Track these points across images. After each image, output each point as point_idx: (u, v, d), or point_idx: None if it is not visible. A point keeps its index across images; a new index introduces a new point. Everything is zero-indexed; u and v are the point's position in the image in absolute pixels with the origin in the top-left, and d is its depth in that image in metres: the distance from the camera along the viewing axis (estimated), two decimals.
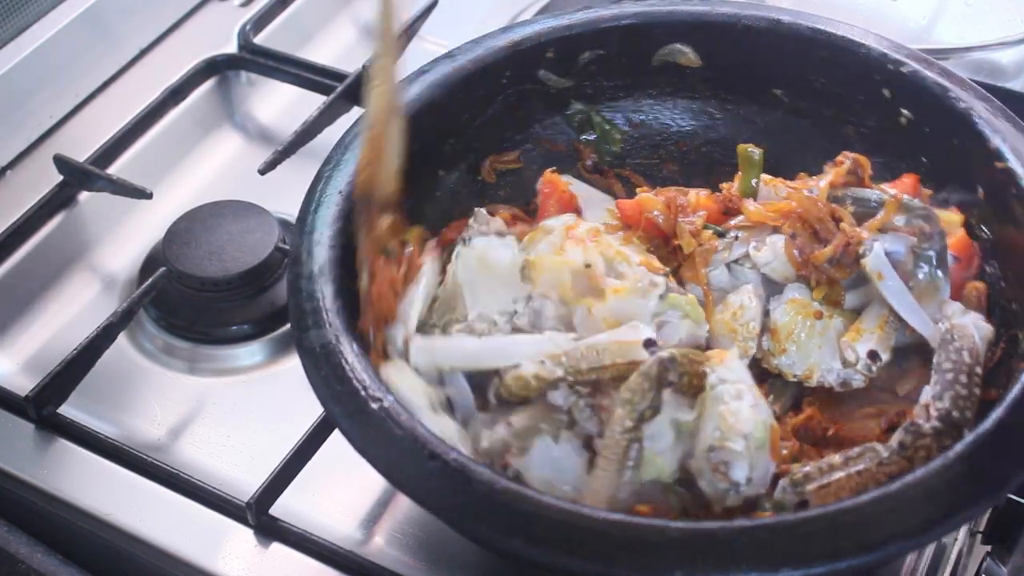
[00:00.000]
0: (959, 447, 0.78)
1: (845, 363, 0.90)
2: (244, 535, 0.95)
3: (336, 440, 0.84)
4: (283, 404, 1.04)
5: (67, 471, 0.99)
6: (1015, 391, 0.81)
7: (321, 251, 0.89)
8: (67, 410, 1.03)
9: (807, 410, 0.90)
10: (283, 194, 1.10)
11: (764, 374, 0.92)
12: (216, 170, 1.27)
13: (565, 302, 0.90)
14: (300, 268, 0.89)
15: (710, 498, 0.83)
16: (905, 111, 1.00)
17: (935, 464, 0.77)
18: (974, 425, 0.82)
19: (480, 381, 0.88)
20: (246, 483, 0.96)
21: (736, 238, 0.96)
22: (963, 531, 0.95)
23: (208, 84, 1.33)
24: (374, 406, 0.81)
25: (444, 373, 0.88)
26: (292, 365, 1.05)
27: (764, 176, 0.98)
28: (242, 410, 1.06)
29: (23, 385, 1.04)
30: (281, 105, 1.33)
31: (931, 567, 0.93)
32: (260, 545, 0.95)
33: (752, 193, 0.98)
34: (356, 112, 1.23)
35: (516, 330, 0.90)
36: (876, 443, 0.84)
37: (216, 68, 1.34)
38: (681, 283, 0.95)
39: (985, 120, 0.95)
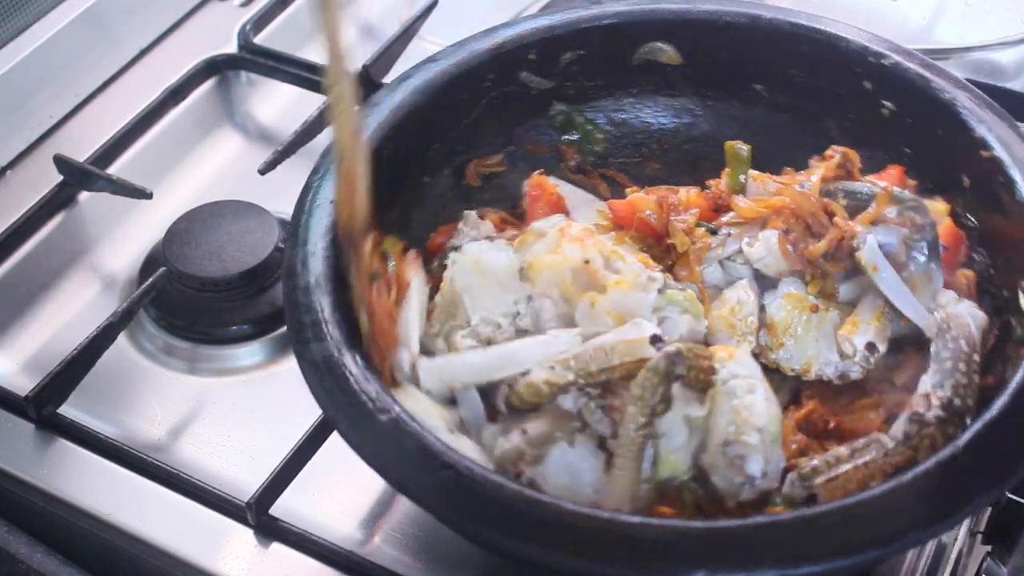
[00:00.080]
0: (966, 436, 0.78)
1: (842, 355, 0.90)
2: (244, 535, 0.95)
3: (336, 440, 0.84)
4: (283, 404, 1.04)
5: (67, 471, 0.99)
6: (1018, 378, 0.81)
7: (316, 263, 0.89)
8: (67, 410, 1.03)
9: (808, 403, 0.90)
10: (283, 194, 1.10)
11: (762, 369, 0.92)
12: (216, 170, 1.27)
13: (567, 299, 0.90)
14: (296, 280, 0.88)
15: (724, 493, 0.83)
16: (887, 103, 1.00)
17: (944, 454, 0.78)
18: (975, 412, 0.82)
19: (487, 390, 0.88)
20: (246, 483, 0.96)
21: (729, 235, 0.96)
22: (963, 531, 0.95)
23: (208, 84, 1.33)
24: (383, 418, 0.80)
25: (455, 390, 0.88)
26: (292, 365, 1.04)
27: (752, 172, 0.98)
28: (242, 410, 1.06)
29: (23, 385, 1.04)
30: (281, 105, 1.33)
31: (931, 567, 0.93)
32: (260, 545, 0.95)
33: (740, 189, 0.98)
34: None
35: (521, 331, 0.90)
36: (881, 434, 0.84)
37: (216, 68, 1.34)
38: (675, 281, 0.94)
39: (969, 110, 0.95)
